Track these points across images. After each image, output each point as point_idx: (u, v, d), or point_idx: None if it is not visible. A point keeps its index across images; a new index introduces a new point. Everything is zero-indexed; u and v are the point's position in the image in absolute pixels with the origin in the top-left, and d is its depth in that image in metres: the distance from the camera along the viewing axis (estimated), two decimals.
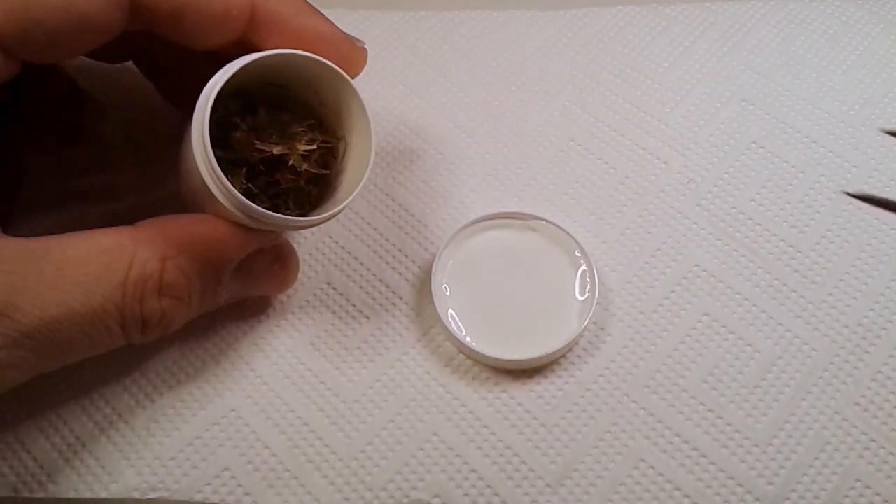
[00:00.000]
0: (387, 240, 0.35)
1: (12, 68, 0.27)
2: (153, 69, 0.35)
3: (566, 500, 0.30)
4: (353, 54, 0.30)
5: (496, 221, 0.35)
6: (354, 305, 0.34)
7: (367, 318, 0.33)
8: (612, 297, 0.34)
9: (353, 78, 0.29)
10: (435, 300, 0.33)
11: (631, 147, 0.38)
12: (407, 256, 0.35)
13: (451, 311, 0.33)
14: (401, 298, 0.34)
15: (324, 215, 0.29)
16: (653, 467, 0.30)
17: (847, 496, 0.29)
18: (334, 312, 0.34)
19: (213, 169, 0.26)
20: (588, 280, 0.33)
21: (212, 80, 0.27)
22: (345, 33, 0.30)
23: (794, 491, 0.30)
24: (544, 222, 0.35)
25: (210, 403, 0.31)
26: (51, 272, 0.25)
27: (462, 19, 0.43)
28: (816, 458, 0.30)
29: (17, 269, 0.24)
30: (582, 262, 0.34)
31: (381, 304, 0.34)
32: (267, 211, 0.27)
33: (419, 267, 0.35)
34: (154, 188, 0.36)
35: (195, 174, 0.27)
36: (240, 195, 0.27)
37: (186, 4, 0.28)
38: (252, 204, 0.27)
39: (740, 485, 0.30)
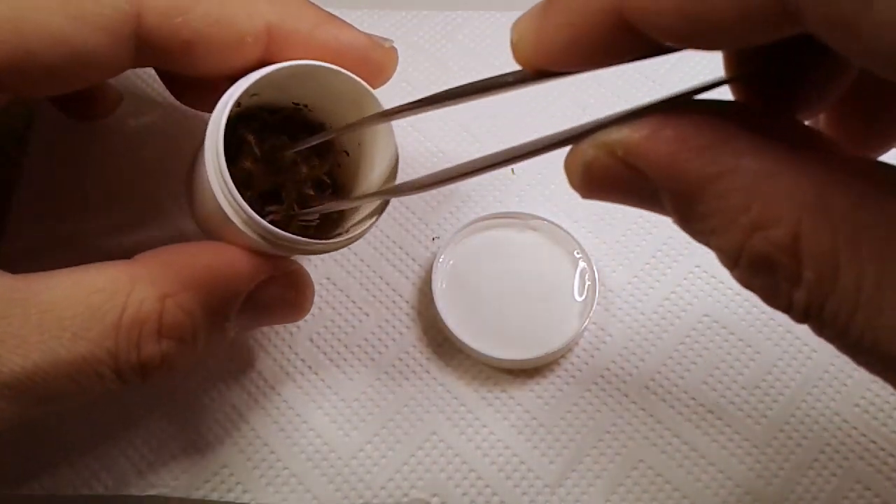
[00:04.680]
0: (388, 237, 0.35)
1: (1, 101, 0.26)
2: (168, 79, 0.34)
3: (564, 500, 0.30)
4: (382, 58, 0.28)
5: (496, 221, 0.35)
6: (354, 302, 0.34)
7: (367, 315, 0.33)
8: (613, 297, 0.34)
9: (384, 80, 0.28)
10: (435, 299, 0.33)
11: None
12: (408, 254, 0.35)
13: (451, 310, 0.33)
14: (401, 296, 0.34)
15: (349, 236, 0.27)
16: (652, 468, 0.30)
17: (846, 497, 0.29)
18: (334, 308, 0.34)
19: (228, 189, 0.24)
20: (588, 280, 0.33)
21: (224, 96, 0.25)
22: (369, 36, 0.28)
23: (793, 492, 0.30)
24: (544, 222, 0.35)
25: (209, 400, 0.31)
26: (36, 315, 0.23)
27: (465, 19, 0.43)
28: (816, 459, 0.30)
29: None
30: (582, 262, 0.34)
31: (381, 302, 0.34)
32: (292, 236, 0.25)
33: (420, 265, 0.35)
34: (157, 193, 0.36)
35: (209, 197, 0.25)
36: (257, 216, 0.25)
37: (197, 38, 0.26)
38: (271, 227, 0.25)
39: (739, 485, 0.30)
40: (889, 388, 0.31)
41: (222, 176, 0.24)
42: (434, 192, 0.37)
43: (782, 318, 0.33)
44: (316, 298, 0.34)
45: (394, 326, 0.33)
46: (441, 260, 0.34)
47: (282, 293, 0.28)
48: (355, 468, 0.30)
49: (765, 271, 0.17)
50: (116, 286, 0.24)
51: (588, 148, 0.20)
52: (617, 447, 0.31)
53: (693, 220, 0.18)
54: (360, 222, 0.28)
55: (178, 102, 0.33)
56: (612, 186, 0.20)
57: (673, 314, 0.33)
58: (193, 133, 0.35)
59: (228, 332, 0.27)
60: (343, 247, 0.27)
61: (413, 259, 0.35)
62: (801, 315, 0.17)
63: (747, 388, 0.32)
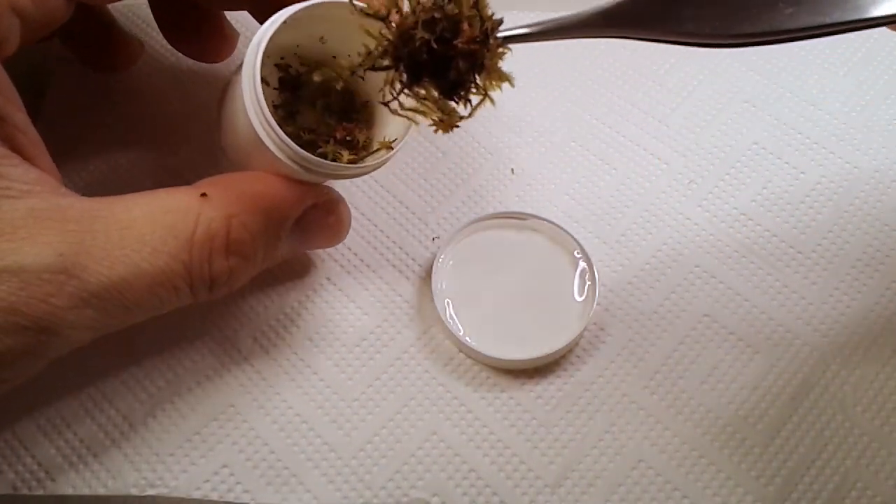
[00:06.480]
0: (387, 237, 0.35)
1: (69, 10, 0.27)
2: (166, 21, 0.36)
3: (564, 500, 0.30)
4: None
5: (496, 221, 0.35)
6: (354, 302, 0.34)
7: (367, 315, 0.33)
8: (612, 297, 0.34)
9: None
10: (435, 299, 0.33)
11: (632, 148, 0.38)
12: (407, 254, 0.35)
13: (450, 310, 0.33)
14: (401, 296, 0.34)
15: (376, 161, 0.29)
16: (651, 468, 0.30)
17: (846, 498, 0.29)
18: (334, 308, 0.34)
19: (264, 116, 0.26)
20: (588, 280, 0.33)
21: (260, 30, 0.27)
22: None
23: (793, 492, 0.30)
24: (544, 222, 0.35)
25: (208, 399, 0.31)
26: (117, 232, 0.25)
27: None
28: (816, 459, 0.30)
29: (83, 229, 0.24)
30: (582, 262, 0.34)
31: (381, 302, 0.34)
32: (322, 160, 0.27)
33: (419, 265, 0.35)
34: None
35: (245, 127, 0.27)
36: (294, 144, 0.27)
37: None
38: (306, 153, 0.27)
39: (739, 485, 0.30)
40: (889, 388, 0.31)
41: (258, 103, 0.26)
42: (435, 191, 0.37)
43: (782, 318, 0.33)
44: (316, 298, 0.34)
45: (393, 326, 0.33)
46: (441, 260, 0.34)
47: (323, 218, 0.31)
48: (355, 468, 0.30)
49: None
50: (187, 207, 0.26)
51: None
52: (617, 447, 0.31)
53: None
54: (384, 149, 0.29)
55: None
56: None
57: (673, 314, 0.33)
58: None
59: (279, 254, 0.30)
60: (373, 170, 0.29)
61: (413, 259, 0.35)
62: None
63: (747, 388, 0.32)
